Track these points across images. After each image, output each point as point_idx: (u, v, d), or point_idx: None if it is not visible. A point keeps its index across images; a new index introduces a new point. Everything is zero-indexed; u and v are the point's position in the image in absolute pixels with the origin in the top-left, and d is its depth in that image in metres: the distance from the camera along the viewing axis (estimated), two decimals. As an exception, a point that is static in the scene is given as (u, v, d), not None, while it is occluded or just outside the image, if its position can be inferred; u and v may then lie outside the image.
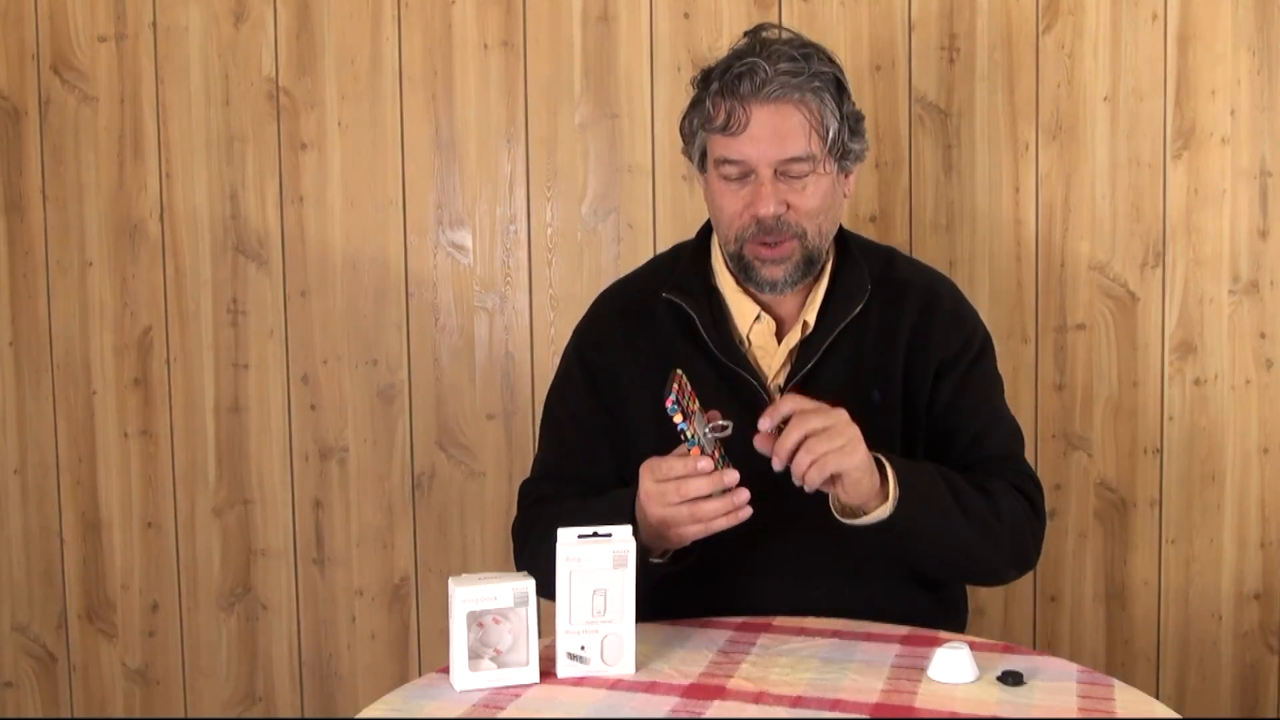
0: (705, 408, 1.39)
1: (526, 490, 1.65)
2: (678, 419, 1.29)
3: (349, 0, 2.20)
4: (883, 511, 1.39)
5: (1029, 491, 1.55)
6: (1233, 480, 2.15)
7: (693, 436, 1.30)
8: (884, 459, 1.40)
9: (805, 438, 1.33)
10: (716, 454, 1.34)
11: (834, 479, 1.36)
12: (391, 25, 2.20)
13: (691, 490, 1.31)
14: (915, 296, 1.59)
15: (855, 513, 1.41)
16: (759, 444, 1.35)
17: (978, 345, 1.60)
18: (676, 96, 2.15)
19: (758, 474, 1.52)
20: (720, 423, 1.36)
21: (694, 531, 1.34)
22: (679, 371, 1.34)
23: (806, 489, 1.35)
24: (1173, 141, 2.10)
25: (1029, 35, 2.11)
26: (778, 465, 1.34)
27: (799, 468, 1.33)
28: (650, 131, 2.17)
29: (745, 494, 1.32)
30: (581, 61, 2.17)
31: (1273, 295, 2.11)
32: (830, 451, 1.33)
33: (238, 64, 2.23)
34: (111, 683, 2.35)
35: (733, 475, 1.32)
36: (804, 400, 1.37)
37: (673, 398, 1.28)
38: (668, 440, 1.46)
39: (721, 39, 2.13)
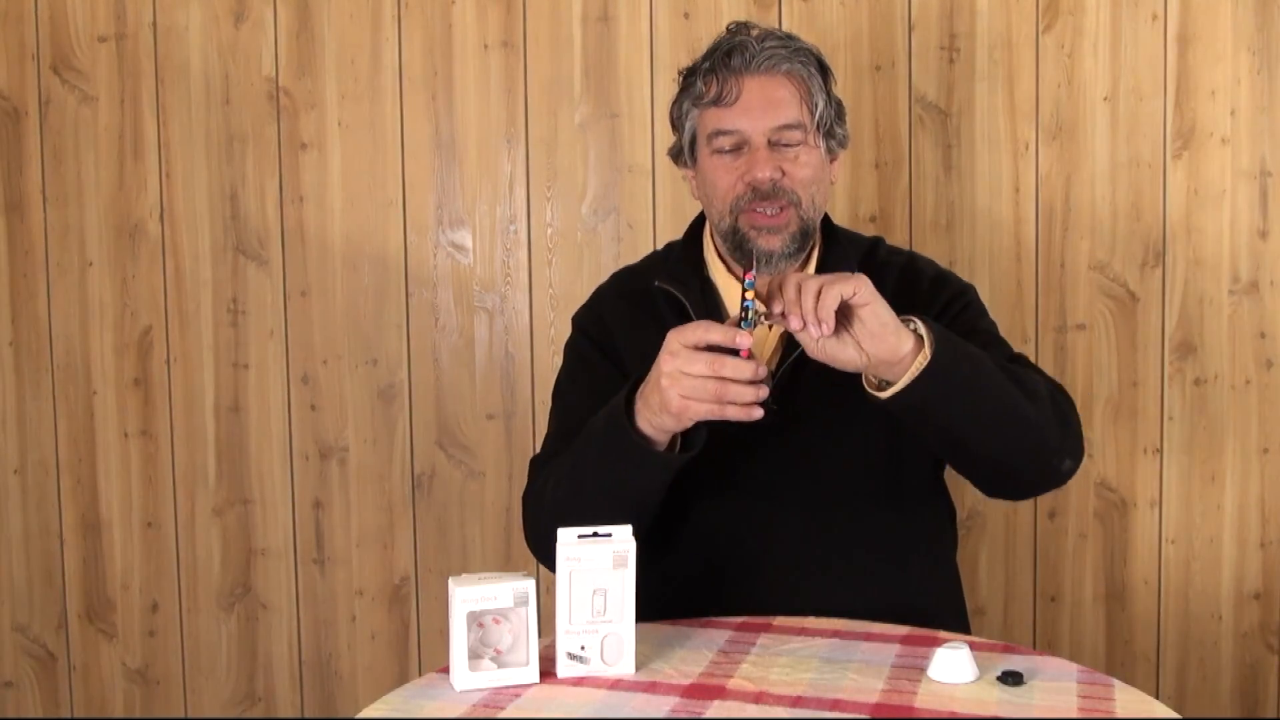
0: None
1: (537, 457, 1.60)
2: (749, 295, 1.27)
3: (349, 0, 2.20)
4: (922, 359, 1.31)
5: (1050, 380, 1.49)
6: (1233, 480, 2.15)
7: (751, 319, 1.29)
8: (911, 317, 1.35)
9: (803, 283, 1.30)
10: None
11: (853, 331, 1.31)
12: (391, 25, 2.20)
13: (728, 369, 1.27)
14: (894, 273, 1.59)
15: (887, 387, 1.35)
16: (775, 308, 1.32)
17: (965, 299, 1.59)
18: (676, 96, 2.15)
19: (758, 474, 1.52)
20: (772, 313, 1.32)
21: (705, 410, 1.29)
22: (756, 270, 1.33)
23: (826, 330, 1.28)
24: (1173, 141, 2.10)
25: (1029, 35, 2.11)
26: (795, 324, 1.29)
27: (807, 309, 1.28)
28: (650, 131, 2.17)
29: (766, 390, 1.29)
30: (581, 61, 2.17)
31: (1273, 295, 2.11)
32: (829, 282, 1.28)
33: (238, 64, 2.23)
34: (111, 683, 2.35)
35: (764, 369, 1.28)
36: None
37: (754, 273, 1.28)
38: None
39: (721, 39, 2.13)
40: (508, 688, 1.25)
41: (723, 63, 1.51)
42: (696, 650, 1.35)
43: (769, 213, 1.50)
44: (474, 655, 1.25)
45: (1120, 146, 2.11)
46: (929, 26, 2.12)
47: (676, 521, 1.52)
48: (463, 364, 2.24)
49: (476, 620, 1.25)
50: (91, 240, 2.28)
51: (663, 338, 1.53)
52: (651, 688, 1.24)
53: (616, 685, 1.25)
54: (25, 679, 2.37)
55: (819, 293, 1.28)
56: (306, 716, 2.32)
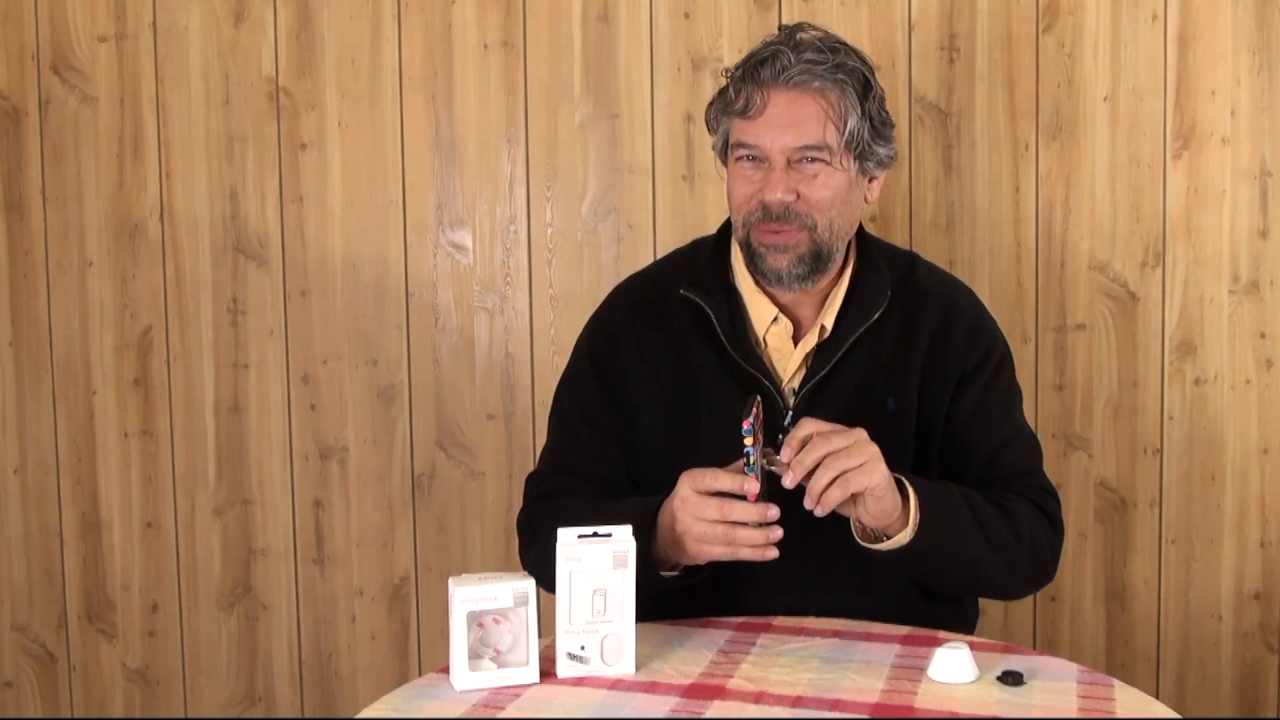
0: (717, 409, 1.38)
1: (534, 482, 1.62)
2: (749, 442, 1.28)
3: (349, 0, 2.20)
4: (904, 536, 1.38)
5: (1048, 508, 1.55)
6: (1233, 480, 2.15)
7: (754, 464, 1.29)
8: (906, 480, 1.38)
9: (825, 456, 1.31)
10: (763, 487, 1.33)
11: (854, 498, 1.35)
12: (391, 25, 2.20)
13: (736, 513, 1.31)
14: (935, 305, 1.57)
15: (876, 537, 1.41)
16: (785, 457, 1.34)
17: (998, 356, 1.59)
18: (676, 96, 2.15)
19: (773, 489, 1.51)
20: (777, 458, 1.35)
21: (718, 553, 1.33)
22: (758, 398, 1.32)
23: (821, 511, 1.33)
24: (1173, 141, 2.10)
25: (1029, 35, 2.11)
26: (789, 482, 1.32)
27: (817, 485, 1.31)
28: (650, 131, 2.17)
29: (779, 533, 1.31)
30: (581, 61, 2.17)
31: (1273, 295, 2.12)
32: (851, 469, 1.31)
33: (238, 64, 2.23)
34: (111, 683, 2.35)
35: (774, 511, 1.31)
36: (821, 423, 1.35)
37: (750, 420, 1.27)
38: (676, 436, 1.45)
39: (721, 39, 2.13)
40: (508, 688, 1.25)
41: (752, 73, 1.48)
42: (696, 650, 1.35)
43: (777, 230, 1.49)
44: (474, 655, 1.25)
45: (1120, 146, 2.11)
46: (929, 26, 2.12)
47: None
48: (463, 364, 2.24)
49: (476, 620, 1.25)
50: (91, 240, 2.28)
51: (678, 349, 1.54)
52: (651, 688, 1.24)
53: (616, 685, 1.25)
54: (25, 679, 2.37)
55: (834, 478, 1.31)
56: (306, 716, 2.32)
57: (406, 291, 2.24)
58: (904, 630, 1.42)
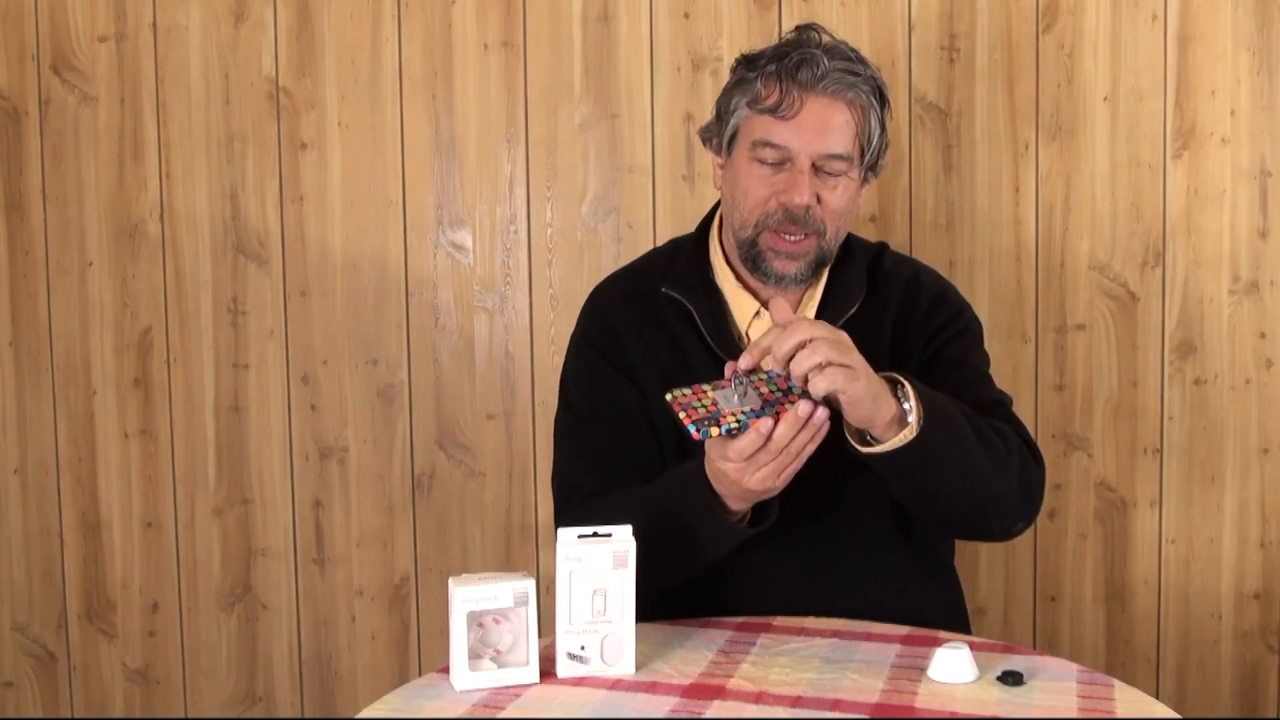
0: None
1: (571, 487, 1.56)
2: (714, 432, 1.27)
3: (349, 0, 2.20)
4: (907, 434, 1.32)
5: (1026, 438, 1.51)
6: (1233, 480, 2.15)
7: (742, 422, 1.28)
8: (903, 379, 1.35)
9: (808, 341, 1.27)
10: (767, 396, 1.30)
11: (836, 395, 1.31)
12: (391, 25, 2.20)
13: (796, 445, 1.29)
14: (897, 287, 1.59)
15: (868, 440, 1.36)
16: (743, 363, 1.31)
17: (962, 322, 1.60)
18: (676, 96, 2.15)
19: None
20: (733, 381, 1.32)
21: (793, 470, 1.31)
22: (667, 399, 1.30)
23: (809, 387, 1.29)
24: (1173, 141, 2.10)
25: (1029, 35, 2.11)
26: (776, 366, 1.30)
27: (800, 366, 1.27)
28: (650, 131, 2.17)
29: (823, 413, 1.28)
30: (581, 61, 2.17)
31: (1273, 295, 2.11)
32: (836, 364, 1.27)
33: (238, 64, 2.23)
34: (111, 683, 2.35)
35: (804, 406, 1.28)
36: (796, 317, 1.32)
37: (695, 430, 1.26)
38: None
39: (721, 39, 2.13)
40: (508, 688, 1.25)
41: (790, 73, 1.47)
42: (696, 650, 1.35)
43: (792, 239, 1.49)
44: (474, 655, 1.25)
45: (1120, 146, 2.11)
46: (929, 26, 2.12)
47: None
48: (463, 364, 2.24)
49: (476, 620, 1.25)
50: (91, 240, 2.28)
51: (670, 344, 1.53)
52: (651, 688, 1.24)
53: (616, 685, 1.25)
54: (25, 679, 2.37)
55: (817, 364, 1.28)
56: (306, 716, 2.32)
57: (406, 291, 2.24)
58: (904, 630, 1.42)
